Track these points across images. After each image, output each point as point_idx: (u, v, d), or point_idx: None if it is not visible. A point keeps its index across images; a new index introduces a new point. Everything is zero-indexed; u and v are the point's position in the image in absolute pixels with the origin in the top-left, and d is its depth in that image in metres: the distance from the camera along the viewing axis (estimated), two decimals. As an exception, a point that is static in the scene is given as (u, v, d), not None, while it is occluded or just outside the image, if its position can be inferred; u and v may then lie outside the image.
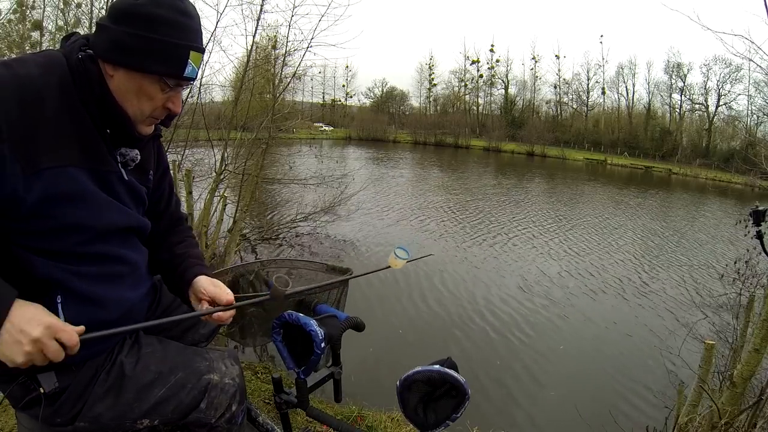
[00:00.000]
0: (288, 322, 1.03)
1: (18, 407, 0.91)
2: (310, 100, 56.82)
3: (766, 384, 2.24)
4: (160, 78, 0.85)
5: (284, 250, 8.30)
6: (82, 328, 0.77)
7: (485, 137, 48.77)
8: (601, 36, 60.50)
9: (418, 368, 0.84)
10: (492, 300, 7.18)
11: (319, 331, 0.99)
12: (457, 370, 0.83)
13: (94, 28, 0.90)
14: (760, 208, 1.90)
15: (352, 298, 1.58)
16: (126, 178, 0.92)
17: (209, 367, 1.07)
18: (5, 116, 0.72)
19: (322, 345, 0.99)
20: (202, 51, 0.89)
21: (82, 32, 0.95)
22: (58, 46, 0.94)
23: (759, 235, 1.95)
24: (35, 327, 0.72)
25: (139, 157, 0.95)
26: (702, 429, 2.34)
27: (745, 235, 2.89)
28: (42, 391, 0.85)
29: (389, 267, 1.24)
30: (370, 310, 6.15)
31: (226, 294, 1.00)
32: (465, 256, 9.48)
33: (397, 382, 0.85)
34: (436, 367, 0.83)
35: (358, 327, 1.16)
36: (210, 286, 1.02)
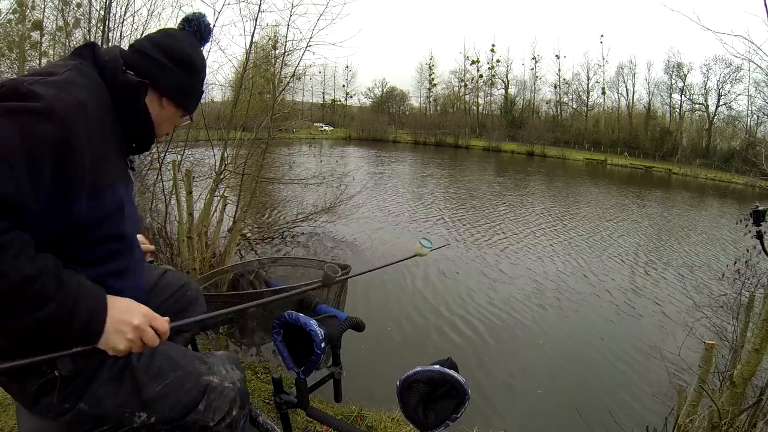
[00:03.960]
0: (288, 322, 1.03)
1: (31, 396, 0.91)
2: (310, 100, 56.84)
3: (766, 384, 2.25)
4: (188, 113, 1.07)
5: (284, 249, 8.30)
6: (167, 318, 0.86)
7: (485, 137, 48.74)
8: (601, 36, 60.48)
9: (419, 368, 0.84)
10: (492, 300, 7.17)
11: (319, 331, 0.99)
12: (457, 371, 0.83)
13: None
14: (760, 208, 1.89)
15: (351, 298, 1.58)
16: (132, 182, 1.01)
17: (209, 370, 1.07)
18: (80, 150, 0.76)
19: (322, 345, 0.99)
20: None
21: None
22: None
23: (759, 235, 1.95)
24: (134, 316, 0.81)
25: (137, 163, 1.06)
26: (702, 429, 2.34)
27: (745, 235, 2.89)
28: (57, 374, 0.89)
29: (416, 255, 1.42)
30: (370, 310, 6.14)
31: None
32: (464, 256, 9.48)
33: (397, 382, 0.85)
34: (437, 367, 0.83)
35: (358, 327, 1.16)
36: None
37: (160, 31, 1.00)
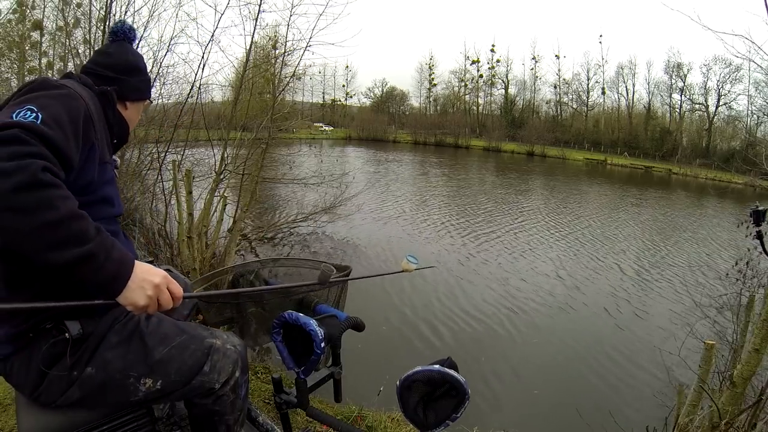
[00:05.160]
0: (288, 322, 1.03)
1: (42, 361, 0.95)
2: (310, 100, 56.82)
3: (766, 384, 2.24)
4: (148, 100, 1.31)
5: (284, 249, 8.31)
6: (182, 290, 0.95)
7: (485, 137, 48.73)
8: (600, 36, 60.12)
9: (418, 368, 0.84)
10: (489, 299, 7.18)
11: (319, 331, 0.99)
12: (457, 370, 0.83)
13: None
14: (760, 208, 1.90)
15: (351, 298, 1.59)
16: (116, 177, 1.19)
17: (211, 334, 1.15)
18: (96, 123, 0.98)
19: (322, 345, 0.99)
20: None
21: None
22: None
23: (759, 235, 1.95)
24: (155, 276, 0.89)
25: (118, 163, 1.27)
26: (702, 429, 2.34)
27: (747, 236, 2.89)
28: (67, 336, 0.95)
29: (404, 271, 1.49)
30: (370, 310, 6.14)
31: None
32: (462, 255, 9.48)
33: (397, 382, 0.85)
34: (436, 367, 0.83)
35: (358, 327, 1.16)
36: None
37: (95, 53, 1.26)
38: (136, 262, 0.88)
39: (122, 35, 1.24)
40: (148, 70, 1.30)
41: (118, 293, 0.85)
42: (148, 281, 0.87)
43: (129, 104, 1.22)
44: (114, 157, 1.19)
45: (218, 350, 1.11)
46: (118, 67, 1.19)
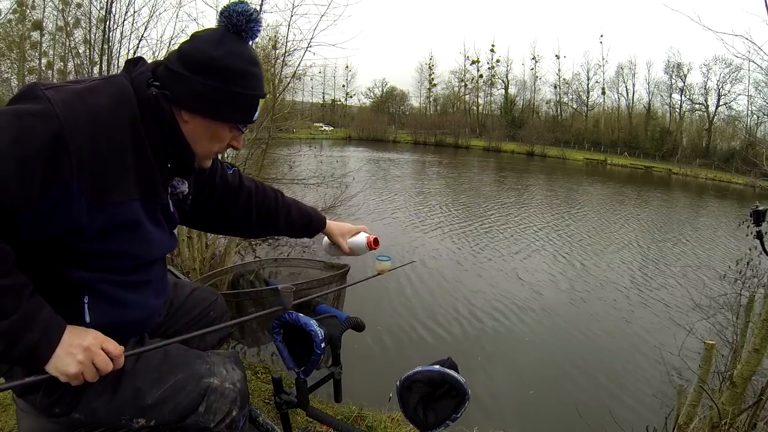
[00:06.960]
0: (288, 322, 1.03)
1: (18, 393, 0.91)
2: (310, 100, 56.78)
3: (766, 384, 2.24)
4: (233, 124, 0.93)
5: (284, 249, 8.30)
6: (122, 348, 0.83)
7: (485, 137, 48.78)
8: (601, 36, 60.08)
9: (418, 368, 0.84)
10: (494, 300, 7.18)
11: (319, 331, 0.99)
12: (457, 370, 0.83)
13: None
14: (760, 208, 1.89)
15: (351, 298, 1.58)
16: (171, 209, 0.97)
17: (210, 371, 1.04)
18: (77, 153, 0.73)
19: (322, 345, 0.99)
20: (264, 96, 0.96)
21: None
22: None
23: (759, 235, 1.95)
24: (85, 337, 0.79)
25: (187, 190, 1.01)
26: (702, 429, 2.34)
27: (747, 236, 2.89)
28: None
29: (380, 273, 1.40)
30: (370, 310, 6.14)
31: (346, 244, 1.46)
32: (462, 254, 9.48)
33: (397, 382, 0.85)
34: (437, 367, 0.83)
35: (358, 327, 1.16)
36: (338, 235, 1.48)
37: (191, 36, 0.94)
38: (69, 327, 0.78)
39: (226, 19, 0.88)
40: (244, 81, 0.89)
41: (44, 363, 0.75)
42: (76, 345, 0.77)
43: (186, 115, 0.88)
44: (177, 182, 0.97)
45: (215, 390, 1.02)
46: (189, 59, 0.86)
